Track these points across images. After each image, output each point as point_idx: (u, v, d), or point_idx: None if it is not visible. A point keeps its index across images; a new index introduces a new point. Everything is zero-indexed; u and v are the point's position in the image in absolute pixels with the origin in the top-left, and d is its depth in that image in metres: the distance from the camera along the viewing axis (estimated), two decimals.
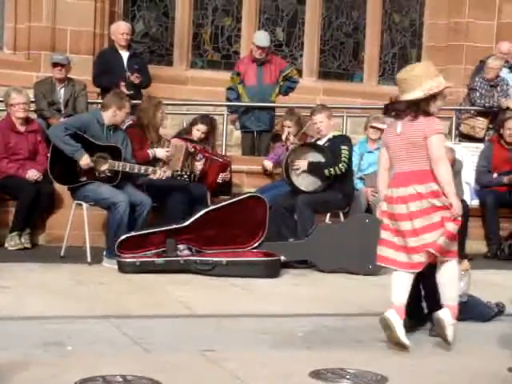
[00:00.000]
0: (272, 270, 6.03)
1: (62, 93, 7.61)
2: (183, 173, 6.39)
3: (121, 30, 8.02)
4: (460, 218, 4.02)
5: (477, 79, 9.06)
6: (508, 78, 8.72)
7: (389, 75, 11.04)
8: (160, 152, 6.79)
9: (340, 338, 4.22)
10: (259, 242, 6.32)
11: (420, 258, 4.03)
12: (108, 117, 6.32)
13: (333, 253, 6.21)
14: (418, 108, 3.99)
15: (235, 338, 4.12)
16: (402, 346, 3.98)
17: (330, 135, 6.88)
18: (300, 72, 10.39)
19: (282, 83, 8.39)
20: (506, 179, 7.89)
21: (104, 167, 6.23)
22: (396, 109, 4.05)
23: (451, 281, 4.11)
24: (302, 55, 10.66)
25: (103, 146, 6.25)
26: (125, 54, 7.96)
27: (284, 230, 6.71)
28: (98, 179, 6.24)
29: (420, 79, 3.96)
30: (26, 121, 6.98)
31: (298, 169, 6.74)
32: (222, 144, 8.20)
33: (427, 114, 4.01)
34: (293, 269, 6.30)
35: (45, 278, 5.58)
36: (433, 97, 3.99)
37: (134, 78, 7.66)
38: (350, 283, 5.85)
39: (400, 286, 4.06)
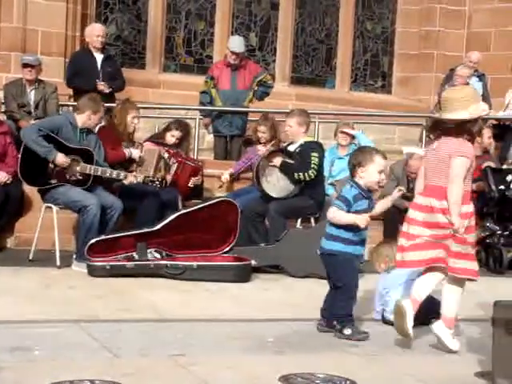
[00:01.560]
0: (243, 274, 6.04)
1: (32, 95, 7.57)
2: (155, 179, 6.36)
3: (96, 32, 8.00)
4: (465, 236, 4.22)
5: (446, 87, 9.12)
6: (477, 87, 8.82)
7: (361, 81, 11.15)
8: (135, 153, 6.77)
9: (310, 343, 4.23)
10: (230, 246, 6.33)
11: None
12: (82, 120, 6.29)
13: (304, 258, 6.20)
14: (463, 129, 4.23)
15: (205, 343, 4.11)
16: (406, 336, 4.21)
17: (302, 141, 6.89)
18: (273, 77, 10.38)
19: (256, 88, 8.41)
20: (474, 186, 7.95)
21: (75, 169, 6.20)
22: (444, 127, 4.26)
23: (457, 296, 4.36)
24: (274, 60, 10.72)
25: (75, 148, 6.21)
26: (99, 57, 7.93)
27: (255, 235, 6.72)
28: (68, 182, 6.19)
29: (468, 102, 4.22)
30: None
31: (273, 166, 6.75)
32: (193, 148, 8.21)
33: (469, 134, 4.26)
34: (264, 273, 6.31)
35: (13, 281, 5.54)
36: (475, 120, 4.24)
37: (103, 87, 7.64)
38: (320, 288, 5.77)
39: (425, 282, 4.28)
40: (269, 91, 8.53)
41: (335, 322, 4.37)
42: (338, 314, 4.37)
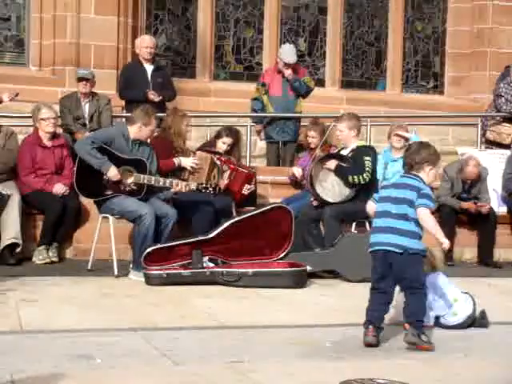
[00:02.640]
0: (298, 280, 6.02)
1: (86, 107, 7.71)
2: (208, 185, 6.37)
3: (145, 43, 8.09)
4: None
5: (502, 85, 9.00)
6: None
7: (412, 83, 11.02)
8: (186, 161, 6.83)
9: (369, 348, 4.18)
10: (285, 252, 6.32)
11: None
12: (133, 132, 6.35)
13: (359, 262, 6.12)
14: None
15: (263, 349, 4.11)
16: None
17: (354, 145, 6.88)
18: (323, 82, 10.41)
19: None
20: None
21: (129, 180, 6.25)
22: None
23: None
24: (324, 65, 10.68)
25: (128, 159, 6.29)
26: (149, 68, 8.03)
27: (310, 240, 6.72)
28: (123, 192, 6.26)
29: None
30: (53, 135, 7.03)
31: (328, 169, 6.75)
32: (246, 155, 8.24)
33: None
34: (319, 279, 6.29)
35: (72, 291, 5.61)
36: None
37: (153, 96, 7.72)
38: None
39: None
40: (302, 90, 8.42)
41: (410, 327, 4.16)
42: (416, 318, 4.15)
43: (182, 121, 6.91)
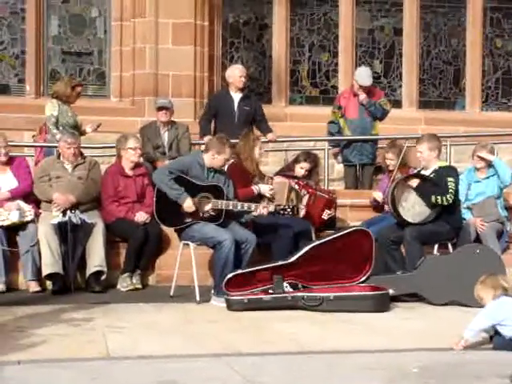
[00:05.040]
0: (381, 303, 5.95)
1: (166, 136, 7.86)
2: (286, 206, 6.41)
3: (239, 72, 8.20)
4: None
5: None
6: None
7: (492, 101, 10.87)
8: (264, 188, 6.90)
9: (458, 374, 4.08)
10: (366, 275, 6.27)
11: None
12: (208, 159, 6.43)
13: (443, 285, 6.06)
14: None
15: (347, 375, 4.05)
16: None
17: (436, 166, 6.81)
18: (400, 103, 10.37)
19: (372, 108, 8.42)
20: None
21: (208, 207, 6.31)
22: None
23: None
24: (401, 86, 10.64)
25: (205, 185, 6.37)
26: (236, 96, 8.18)
27: (391, 263, 6.65)
28: (202, 219, 6.33)
29: None
30: (135, 165, 7.17)
31: (410, 187, 6.70)
32: (324, 178, 8.30)
33: None
34: (402, 302, 6.20)
35: (156, 317, 5.66)
36: None
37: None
38: (463, 316, 5.61)
39: None
40: (378, 114, 8.44)
41: None
42: None
43: (255, 145, 6.99)
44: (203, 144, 7.35)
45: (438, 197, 6.56)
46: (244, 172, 6.94)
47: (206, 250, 6.62)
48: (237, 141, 7.17)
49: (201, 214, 6.33)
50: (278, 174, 7.48)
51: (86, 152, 7.55)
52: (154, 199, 6.45)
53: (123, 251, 6.97)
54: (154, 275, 7.13)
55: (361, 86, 8.35)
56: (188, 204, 6.26)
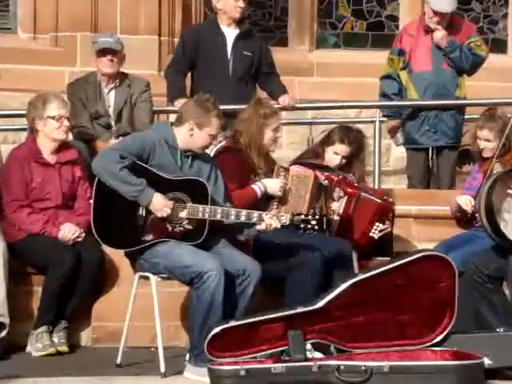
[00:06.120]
0: (469, 381, 6.05)
1: (111, 98, 8.11)
2: (310, 216, 6.55)
3: None
4: None
5: None
6: None
7: None
8: (272, 184, 7.10)
9: None
10: (445, 333, 6.39)
11: None
12: (182, 137, 6.64)
13: None
14: None
15: None
16: None
17: None
18: (503, 45, 10.79)
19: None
20: None
21: (181, 215, 6.49)
22: None
23: None
24: (505, 15, 10.96)
25: (177, 180, 6.53)
26: (230, 33, 8.48)
27: (487, 314, 6.84)
28: (172, 236, 6.49)
29: None
30: (60, 146, 7.36)
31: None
32: (373, 171, 8.58)
33: None
34: (505, 380, 6.33)
35: None
36: None
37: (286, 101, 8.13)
38: None
39: None
40: (466, 63, 8.71)
41: None
42: None
43: (266, 123, 7.24)
44: (174, 112, 7.63)
45: None
46: (243, 162, 7.20)
47: (177, 286, 6.83)
48: (229, 107, 7.39)
49: (170, 228, 6.49)
50: (296, 162, 7.71)
51: None
52: (92, 203, 6.60)
53: (38, 290, 7.13)
54: (90, 330, 7.30)
55: (436, 14, 8.58)
56: (158, 201, 6.43)
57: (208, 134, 6.66)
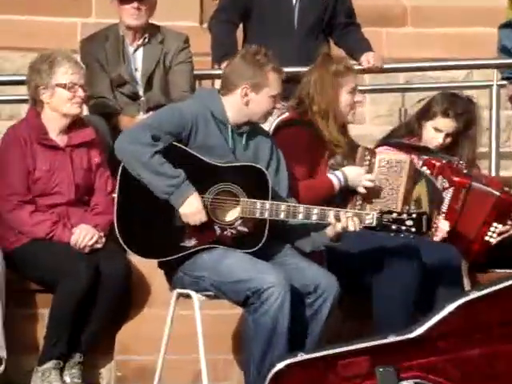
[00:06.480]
0: None
1: (138, 59, 8.12)
2: (404, 215, 6.48)
3: None
4: None
5: None
6: None
7: None
8: (355, 175, 6.99)
9: None
10: None
11: None
12: (234, 108, 6.57)
13: None
14: None
15: None
16: None
17: None
18: None
19: None
20: None
21: (233, 214, 6.43)
22: None
23: None
24: None
25: (228, 168, 6.48)
26: None
27: None
28: (221, 241, 6.43)
29: None
30: (73, 123, 7.31)
31: None
32: (489, 154, 8.52)
33: None
34: None
35: None
36: None
37: None
38: None
39: None
40: None
41: None
42: None
43: (341, 83, 7.14)
44: (219, 77, 7.48)
45: None
46: (315, 139, 7.08)
47: (227, 308, 6.77)
48: (295, 70, 7.35)
49: (218, 231, 6.44)
50: (385, 142, 7.73)
51: None
52: (116, 197, 6.54)
53: (45, 313, 7.07)
54: (112, 366, 7.28)
55: None
56: (194, 206, 6.34)
57: (268, 95, 6.56)
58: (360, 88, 7.60)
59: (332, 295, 6.37)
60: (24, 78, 7.51)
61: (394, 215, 6.46)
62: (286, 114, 7.26)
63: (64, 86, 7.16)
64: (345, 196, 7.03)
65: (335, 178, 6.96)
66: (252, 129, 6.61)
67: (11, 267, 7.00)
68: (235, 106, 6.53)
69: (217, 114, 6.51)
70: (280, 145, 6.77)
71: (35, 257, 7.02)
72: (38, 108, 7.29)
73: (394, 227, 6.45)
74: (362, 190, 6.97)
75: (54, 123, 7.24)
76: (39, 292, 7.18)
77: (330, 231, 6.47)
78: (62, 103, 7.19)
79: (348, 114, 7.20)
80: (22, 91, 7.83)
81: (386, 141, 7.73)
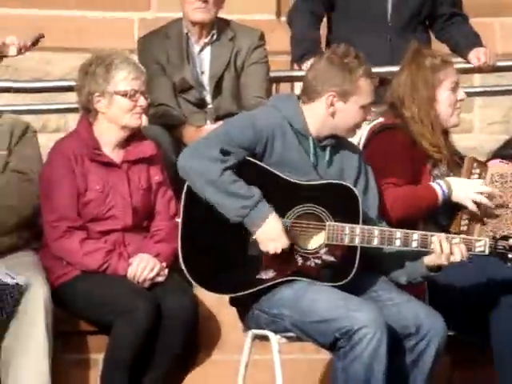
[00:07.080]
0: None
1: (205, 60, 8.04)
2: None
3: None
4: None
5: None
6: None
7: None
8: (464, 188, 6.67)
9: None
10: None
11: None
12: (316, 118, 6.30)
13: None
14: None
15: None
16: None
17: None
18: None
19: None
20: None
21: (318, 240, 6.18)
22: None
23: None
24: None
25: (311, 187, 6.27)
26: None
27: None
28: (303, 273, 6.18)
29: None
30: (131, 135, 7.16)
31: None
32: None
33: None
34: None
35: None
36: None
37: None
38: None
39: None
40: None
41: None
42: None
43: (440, 76, 6.85)
44: (299, 80, 7.31)
45: None
46: (413, 146, 6.81)
47: (312, 352, 6.69)
48: (388, 70, 7.51)
49: (299, 261, 6.16)
50: (498, 154, 7.48)
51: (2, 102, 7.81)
52: (180, 222, 6.32)
53: (98, 358, 6.87)
54: None
55: None
56: (272, 230, 6.11)
57: (358, 105, 6.21)
58: (468, 90, 7.39)
59: (437, 337, 6.05)
60: (72, 83, 7.28)
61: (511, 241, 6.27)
62: (377, 120, 6.87)
63: (124, 94, 6.89)
64: (446, 211, 6.64)
65: (438, 187, 6.58)
66: (337, 142, 6.28)
67: (59, 305, 6.69)
68: (318, 117, 6.22)
69: (296, 125, 6.21)
70: (374, 153, 6.55)
71: (87, 293, 6.74)
72: (91, 119, 7.00)
73: (511, 256, 6.13)
74: (471, 204, 6.57)
75: (109, 136, 6.95)
76: (92, 334, 6.94)
77: (429, 260, 6.14)
78: (121, 114, 6.89)
79: (451, 115, 6.79)
80: (71, 99, 7.64)
81: (501, 152, 7.40)
